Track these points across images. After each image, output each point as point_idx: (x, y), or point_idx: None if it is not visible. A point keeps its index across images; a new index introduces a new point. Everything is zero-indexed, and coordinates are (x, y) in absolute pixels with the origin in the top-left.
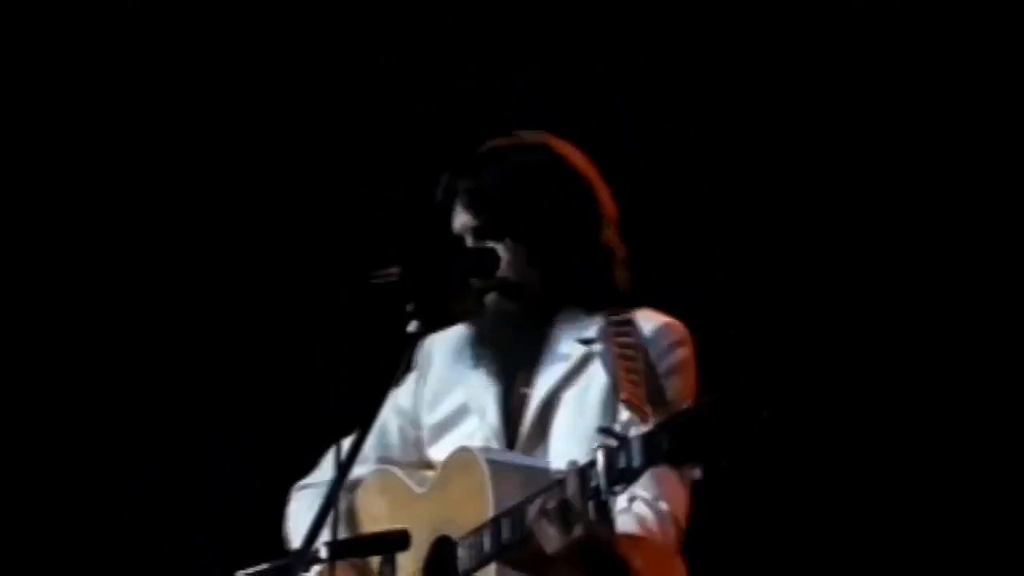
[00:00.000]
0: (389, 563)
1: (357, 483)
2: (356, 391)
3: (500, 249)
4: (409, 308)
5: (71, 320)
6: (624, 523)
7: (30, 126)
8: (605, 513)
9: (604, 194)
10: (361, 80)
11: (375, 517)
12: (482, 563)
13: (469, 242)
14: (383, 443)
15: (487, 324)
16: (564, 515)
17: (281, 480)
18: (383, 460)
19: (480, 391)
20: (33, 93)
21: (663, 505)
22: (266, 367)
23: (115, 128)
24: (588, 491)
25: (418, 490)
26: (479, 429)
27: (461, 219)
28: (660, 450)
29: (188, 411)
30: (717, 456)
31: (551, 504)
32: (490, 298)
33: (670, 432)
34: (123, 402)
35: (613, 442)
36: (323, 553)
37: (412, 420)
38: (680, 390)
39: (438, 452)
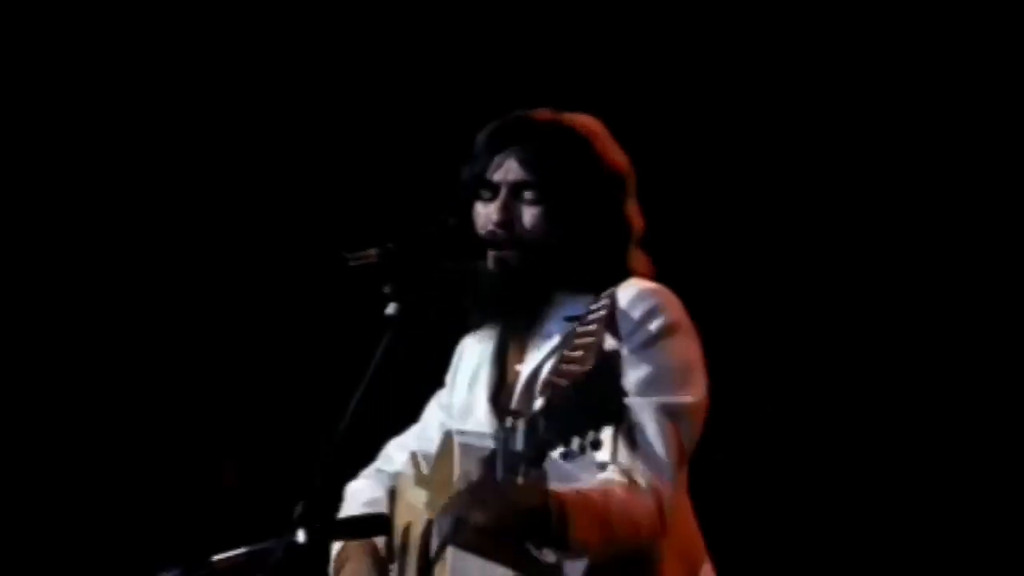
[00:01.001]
0: (394, 539)
1: (397, 473)
2: (337, 375)
3: (527, 211)
4: (386, 290)
5: (54, 309)
6: (581, 485)
7: (28, 124)
8: (511, 490)
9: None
10: (341, 65)
11: (409, 503)
12: (443, 545)
13: (502, 193)
14: (424, 435)
15: (490, 306)
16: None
17: (258, 464)
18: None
19: (480, 374)
20: (32, 92)
21: (639, 477)
22: (247, 353)
23: (101, 119)
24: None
25: (427, 473)
26: (478, 411)
27: (510, 172)
28: (538, 436)
29: (168, 398)
30: (581, 434)
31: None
32: (495, 254)
33: (545, 417)
34: (105, 394)
35: (510, 423)
36: (301, 537)
37: (449, 415)
38: (665, 359)
39: None
